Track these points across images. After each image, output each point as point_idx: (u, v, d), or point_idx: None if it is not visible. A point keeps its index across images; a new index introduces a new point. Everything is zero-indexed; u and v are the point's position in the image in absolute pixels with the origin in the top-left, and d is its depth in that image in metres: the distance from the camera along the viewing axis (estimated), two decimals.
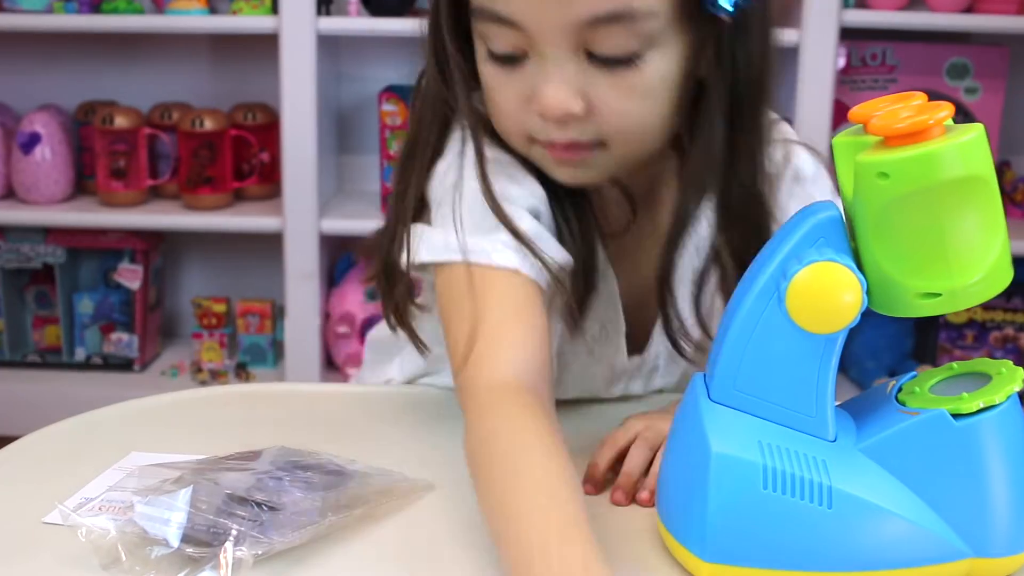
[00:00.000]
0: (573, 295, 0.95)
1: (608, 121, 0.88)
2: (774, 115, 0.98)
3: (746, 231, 0.94)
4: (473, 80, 0.95)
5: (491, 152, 0.95)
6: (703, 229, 0.95)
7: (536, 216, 0.93)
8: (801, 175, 1.01)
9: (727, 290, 0.94)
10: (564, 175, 0.93)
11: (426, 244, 0.93)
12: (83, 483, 0.93)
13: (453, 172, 0.95)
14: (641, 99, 0.88)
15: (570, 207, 0.96)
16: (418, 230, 0.95)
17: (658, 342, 1.04)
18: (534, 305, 0.89)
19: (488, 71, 0.91)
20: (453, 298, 0.91)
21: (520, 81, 0.89)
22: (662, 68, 0.87)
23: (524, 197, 0.93)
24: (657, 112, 0.90)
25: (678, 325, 0.97)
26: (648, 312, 1.01)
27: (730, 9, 0.86)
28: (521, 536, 0.73)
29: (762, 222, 0.95)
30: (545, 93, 0.87)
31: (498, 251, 0.90)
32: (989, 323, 2.45)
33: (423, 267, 0.95)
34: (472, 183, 0.93)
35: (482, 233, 0.91)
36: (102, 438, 1.05)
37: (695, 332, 0.97)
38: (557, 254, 0.92)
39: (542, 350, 0.88)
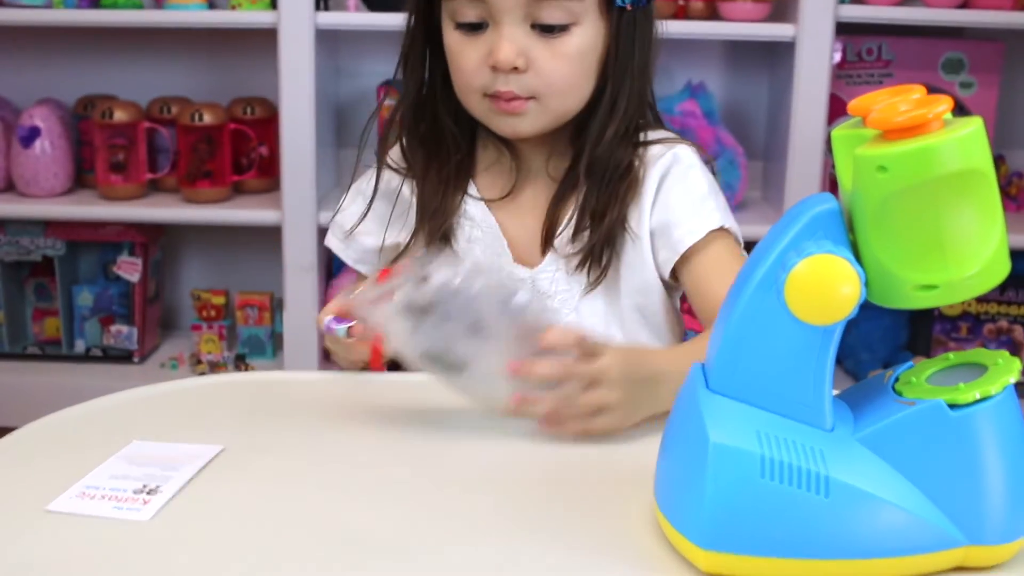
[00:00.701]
0: (426, 233, 1.28)
1: (541, 77, 1.18)
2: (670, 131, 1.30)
3: (603, 191, 1.23)
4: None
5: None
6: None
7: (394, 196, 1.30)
8: (679, 159, 1.25)
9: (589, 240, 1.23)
10: (504, 126, 1.23)
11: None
12: (86, 471, 0.93)
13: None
14: (566, 62, 1.19)
15: (438, 177, 1.28)
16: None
17: (546, 262, 1.26)
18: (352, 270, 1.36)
19: (454, 38, 1.21)
20: None
21: (480, 44, 1.19)
22: (583, 41, 1.19)
23: (370, 186, 1.32)
24: (577, 75, 1.20)
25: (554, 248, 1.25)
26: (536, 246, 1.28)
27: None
28: None
29: (620, 186, 1.23)
30: (499, 49, 1.16)
31: (329, 238, 1.37)
32: (983, 315, 2.46)
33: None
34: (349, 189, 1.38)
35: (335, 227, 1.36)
36: (104, 427, 1.05)
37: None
38: (370, 241, 1.33)
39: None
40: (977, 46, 2.44)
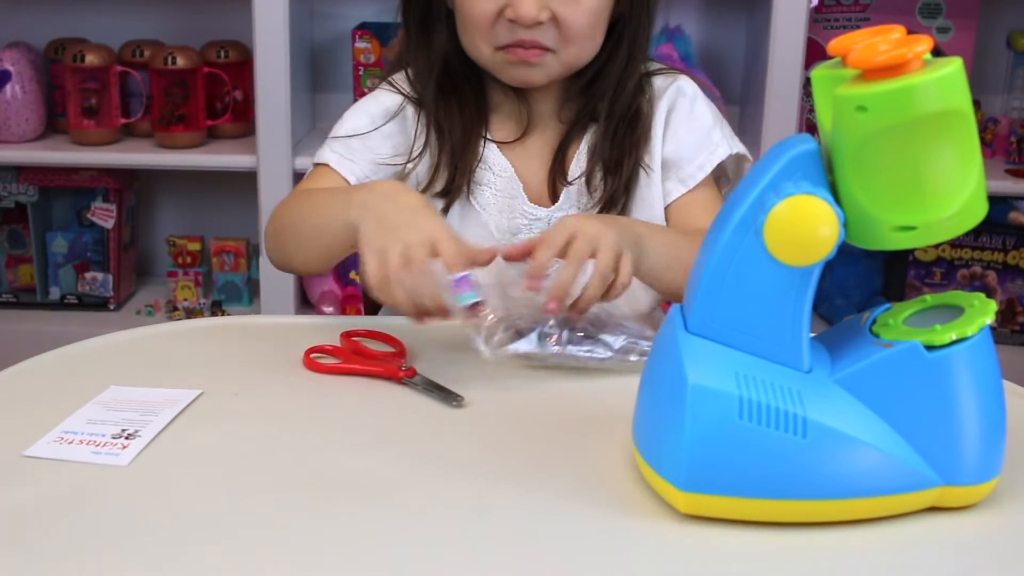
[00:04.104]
0: (447, 171, 1.26)
1: (563, 30, 1.19)
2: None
3: (618, 138, 1.27)
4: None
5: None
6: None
7: (396, 115, 1.29)
8: (683, 92, 1.31)
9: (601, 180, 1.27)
10: (517, 75, 1.24)
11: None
12: (63, 417, 0.93)
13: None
14: (587, 15, 1.20)
15: (460, 119, 1.27)
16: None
17: (561, 200, 1.28)
18: (332, 179, 1.26)
19: None
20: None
21: None
22: None
23: (380, 107, 1.30)
24: (595, 27, 1.22)
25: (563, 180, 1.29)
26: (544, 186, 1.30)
27: None
28: (319, 200, 1.17)
29: (634, 133, 1.28)
30: (522, 4, 1.17)
31: (324, 153, 1.28)
32: (957, 261, 2.47)
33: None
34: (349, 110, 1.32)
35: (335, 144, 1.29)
36: (80, 372, 1.05)
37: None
38: (373, 153, 1.28)
39: None
40: None
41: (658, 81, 1.32)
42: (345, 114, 1.32)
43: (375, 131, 1.29)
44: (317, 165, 1.30)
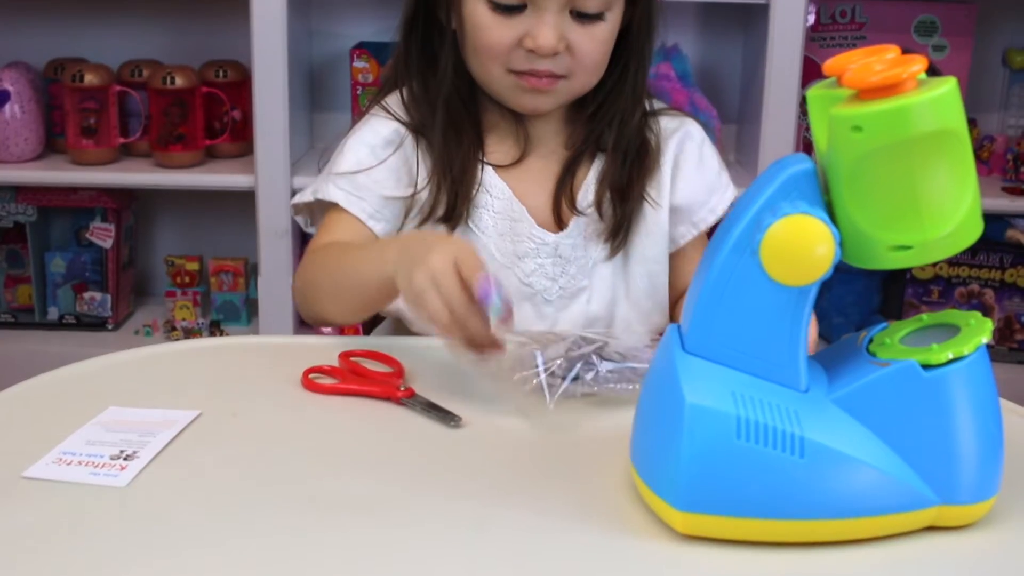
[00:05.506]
0: (447, 197, 1.26)
1: (578, 59, 1.22)
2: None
3: (625, 167, 1.29)
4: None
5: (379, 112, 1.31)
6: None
7: (397, 145, 1.28)
8: (691, 136, 1.35)
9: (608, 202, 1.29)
10: (527, 102, 1.25)
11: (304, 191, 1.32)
12: (61, 438, 0.93)
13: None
14: (600, 44, 1.23)
15: (459, 145, 1.27)
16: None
17: (571, 228, 1.29)
18: (346, 221, 1.26)
19: (484, 16, 1.20)
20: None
21: (515, 25, 1.20)
22: (614, 26, 1.23)
23: (379, 137, 1.29)
24: (605, 55, 1.24)
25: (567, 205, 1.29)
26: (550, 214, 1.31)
27: None
28: (353, 258, 1.16)
29: (642, 163, 1.30)
30: (542, 35, 1.19)
31: (329, 190, 1.27)
32: (955, 279, 2.47)
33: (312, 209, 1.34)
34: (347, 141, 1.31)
35: (329, 174, 1.29)
36: (79, 393, 1.05)
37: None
38: (380, 187, 1.27)
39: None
40: (950, 9, 2.44)
41: (665, 121, 1.34)
42: (344, 147, 1.30)
43: (380, 165, 1.27)
44: (320, 200, 1.28)
